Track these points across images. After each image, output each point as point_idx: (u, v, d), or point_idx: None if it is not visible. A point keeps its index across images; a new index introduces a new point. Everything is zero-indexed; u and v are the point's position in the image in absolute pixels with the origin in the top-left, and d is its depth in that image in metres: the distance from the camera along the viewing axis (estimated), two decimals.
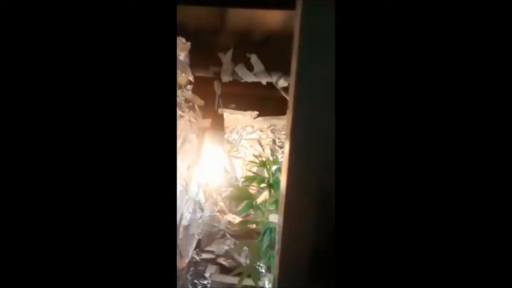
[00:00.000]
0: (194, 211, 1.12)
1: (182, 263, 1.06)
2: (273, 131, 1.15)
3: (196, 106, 0.97)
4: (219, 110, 0.88)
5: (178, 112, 0.89)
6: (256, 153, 1.11)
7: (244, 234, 1.14)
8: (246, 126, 1.15)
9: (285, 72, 0.84)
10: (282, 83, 0.85)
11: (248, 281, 0.87)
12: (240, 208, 0.92)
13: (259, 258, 0.86)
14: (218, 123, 0.88)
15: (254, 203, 0.87)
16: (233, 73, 0.82)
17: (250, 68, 0.83)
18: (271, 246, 0.85)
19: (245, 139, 1.16)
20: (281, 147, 1.13)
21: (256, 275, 0.84)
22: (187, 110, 0.93)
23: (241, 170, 1.14)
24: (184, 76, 0.84)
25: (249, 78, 0.84)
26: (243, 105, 1.10)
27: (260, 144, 1.15)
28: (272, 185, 0.86)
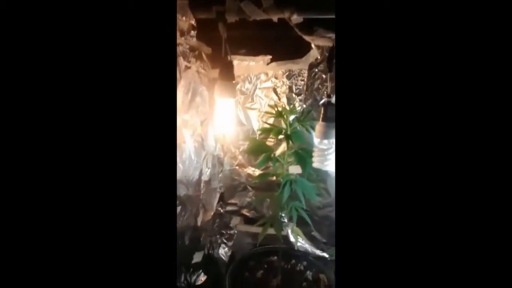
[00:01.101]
0: (214, 166, 1.11)
1: (207, 215, 1.09)
2: (289, 77, 1.05)
3: (203, 55, 0.89)
4: (228, 58, 0.80)
5: (184, 63, 0.82)
6: (272, 103, 1.04)
7: (265, 186, 1.13)
8: (259, 73, 1.07)
9: (299, 6, 0.72)
10: (296, 19, 0.74)
11: (271, 231, 0.87)
12: (258, 161, 0.88)
13: (281, 209, 0.85)
14: (227, 72, 0.81)
15: (272, 155, 0.83)
16: (239, 11, 0.71)
17: (258, 3, 0.71)
18: (292, 197, 0.83)
19: (260, 88, 1.08)
20: (298, 95, 1.05)
21: (278, 226, 0.84)
22: (193, 60, 0.85)
23: (258, 121, 1.09)
24: (185, 20, 0.75)
25: (257, 15, 0.73)
26: (253, 50, 0.99)
27: (276, 93, 1.07)
28: (290, 136, 0.80)
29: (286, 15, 0.72)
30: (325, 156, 0.74)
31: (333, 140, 0.74)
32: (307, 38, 0.76)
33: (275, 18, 0.75)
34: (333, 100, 0.98)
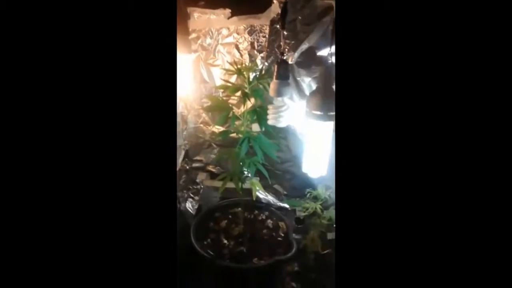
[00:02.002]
0: (178, 124, 1.12)
1: None
2: (250, 33, 1.03)
3: None
4: (182, 9, 0.76)
5: None
6: (235, 59, 1.03)
7: (229, 144, 1.17)
8: (220, 28, 1.03)
9: None
10: None
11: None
12: (216, 120, 0.90)
13: (240, 164, 0.90)
14: (182, 26, 0.78)
15: (230, 114, 0.84)
16: None
17: None
18: (252, 154, 0.87)
19: (221, 44, 1.05)
20: (260, 52, 1.04)
21: (237, 180, 0.89)
22: None
23: (220, 79, 1.08)
24: None
25: None
26: (213, 3, 0.95)
27: (238, 49, 1.05)
28: (247, 94, 0.81)
29: None
30: (279, 113, 0.77)
31: (286, 98, 0.76)
32: None
33: None
34: (286, 57, 0.99)
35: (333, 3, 0.68)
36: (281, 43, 0.77)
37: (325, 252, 1.02)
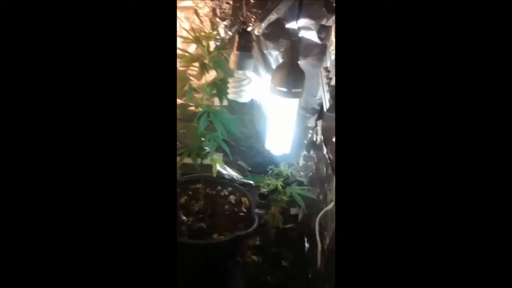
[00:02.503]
0: None
1: None
2: None
3: None
4: None
5: None
6: (194, 26, 0.94)
7: (189, 118, 1.11)
8: None
9: None
10: None
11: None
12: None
13: (198, 140, 0.86)
14: None
15: (187, 86, 0.79)
16: None
17: None
18: (209, 128, 0.83)
19: (179, 7, 0.96)
20: (223, 20, 0.97)
21: (195, 155, 0.85)
22: None
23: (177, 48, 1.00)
24: None
25: None
26: None
27: (197, 15, 0.96)
28: (206, 65, 0.76)
29: None
30: (240, 87, 0.73)
31: (250, 72, 0.72)
32: None
33: None
34: (249, 28, 0.93)
35: None
36: (244, 11, 0.71)
37: (286, 226, 1.05)
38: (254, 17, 0.95)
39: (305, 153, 1.16)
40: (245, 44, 0.68)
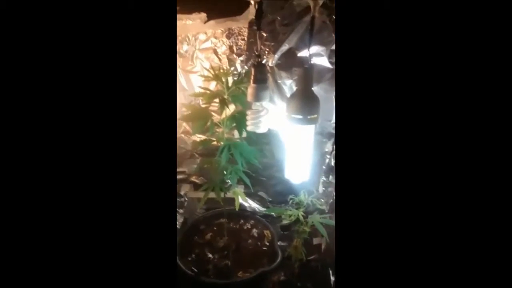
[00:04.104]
0: None
1: None
2: (229, 37, 1.00)
3: None
4: None
5: None
6: (214, 64, 0.99)
7: (212, 152, 1.12)
8: (197, 33, 1.00)
9: None
10: None
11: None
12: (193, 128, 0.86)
13: (221, 174, 0.86)
14: None
15: (209, 122, 0.81)
16: None
17: None
18: (231, 162, 0.83)
19: (199, 49, 1.02)
20: (239, 55, 1.01)
21: (218, 190, 0.85)
22: None
23: (198, 86, 1.05)
24: None
25: None
26: (188, 7, 0.92)
27: (216, 54, 1.01)
28: (225, 100, 0.78)
29: None
30: (258, 119, 0.73)
31: (265, 102, 0.73)
32: None
33: None
34: (264, 61, 0.96)
35: (311, 3, 0.66)
36: (258, 45, 0.74)
37: (310, 258, 0.98)
38: (267, 49, 0.99)
39: (324, 179, 1.12)
40: (261, 76, 0.70)
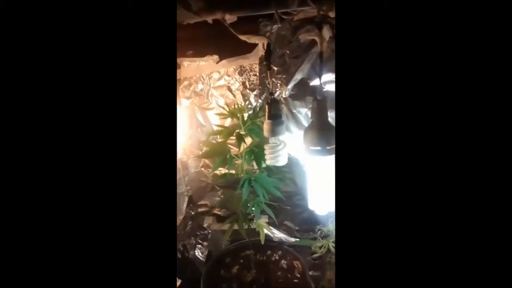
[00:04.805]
0: (178, 170, 1.11)
1: (177, 220, 1.09)
2: (241, 74, 1.05)
3: None
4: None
5: None
6: (228, 101, 1.03)
7: (232, 184, 1.14)
8: (211, 73, 1.05)
9: (230, 6, 0.71)
10: (230, 18, 0.73)
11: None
12: (214, 164, 0.89)
13: (243, 206, 0.87)
14: None
15: (228, 156, 0.83)
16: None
17: (188, 7, 0.70)
18: (252, 193, 0.84)
19: (214, 87, 1.07)
20: (252, 90, 1.05)
21: (241, 223, 0.86)
22: None
23: (214, 125, 1.08)
24: None
25: (190, 19, 0.71)
26: (200, 50, 0.98)
27: (230, 91, 1.06)
28: (242, 136, 0.80)
29: (218, 15, 0.71)
30: (276, 153, 0.75)
31: (281, 137, 0.75)
32: (242, 37, 0.75)
33: (209, 20, 0.74)
34: (277, 94, 0.98)
35: (318, 40, 0.69)
36: (269, 83, 0.77)
37: None
38: (279, 82, 1.02)
39: None
40: (275, 112, 0.72)
